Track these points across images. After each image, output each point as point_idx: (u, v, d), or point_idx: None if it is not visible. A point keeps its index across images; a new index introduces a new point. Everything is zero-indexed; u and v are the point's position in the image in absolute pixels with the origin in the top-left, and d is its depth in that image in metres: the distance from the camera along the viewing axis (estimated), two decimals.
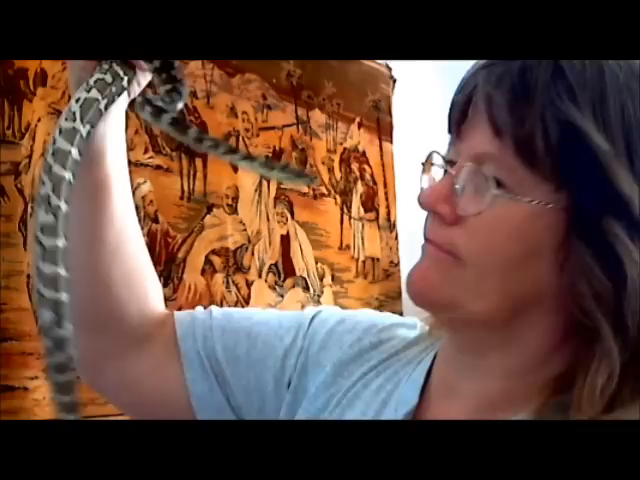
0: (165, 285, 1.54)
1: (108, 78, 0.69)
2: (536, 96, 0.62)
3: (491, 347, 0.67)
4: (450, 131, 0.68)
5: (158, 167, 1.53)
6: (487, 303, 0.65)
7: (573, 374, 0.63)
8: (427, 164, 0.70)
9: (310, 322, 0.81)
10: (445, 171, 0.68)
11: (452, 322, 0.69)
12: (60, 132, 0.64)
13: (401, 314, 2.11)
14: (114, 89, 0.69)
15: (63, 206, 0.62)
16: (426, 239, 0.68)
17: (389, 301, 2.12)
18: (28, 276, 1.30)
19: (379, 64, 2.17)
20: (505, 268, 0.64)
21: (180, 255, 1.58)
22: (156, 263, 1.51)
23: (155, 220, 1.53)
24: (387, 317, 0.83)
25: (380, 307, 2.06)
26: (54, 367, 0.59)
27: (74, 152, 0.64)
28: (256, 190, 1.77)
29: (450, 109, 0.68)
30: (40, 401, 1.27)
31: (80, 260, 0.75)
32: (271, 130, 1.84)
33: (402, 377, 0.74)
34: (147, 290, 0.81)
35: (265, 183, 1.80)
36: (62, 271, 0.60)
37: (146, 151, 1.50)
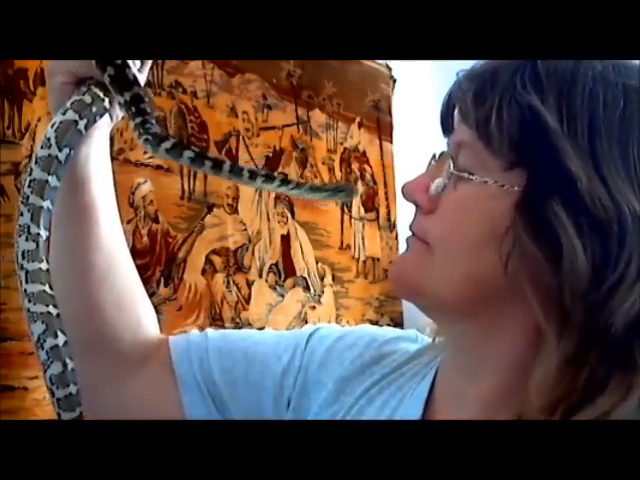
0: (165, 285, 1.54)
1: (87, 99, 0.68)
2: (499, 80, 0.63)
3: (473, 337, 0.67)
4: (442, 131, 0.70)
5: (158, 167, 1.52)
6: (452, 288, 0.65)
7: None
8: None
9: (307, 340, 0.80)
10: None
11: (429, 310, 0.70)
12: (36, 161, 0.64)
13: (401, 314, 2.10)
14: (95, 109, 0.69)
15: (43, 233, 0.63)
16: (410, 231, 0.69)
17: (389, 301, 2.11)
18: None
19: (379, 64, 2.17)
20: (467, 251, 0.64)
21: (180, 255, 1.58)
22: (156, 263, 1.53)
23: (155, 220, 1.53)
24: (388, 331, 0.82)
25: (380, 307, 2.06)
26: (52, 380, 0.59)
27: (51, 180, 0.64)
28: (256, 190, 1.77)
29: (440, 110, 0.70)
30: (40, 401, 1.27)
31: (70, 286, 0.75)
32: (271, 130, 1.84)
33: (406, 392, 0.74)
34: (139, 314, 0.81)
35: None
36: (47, 289, 0.61)
37: (146, 151, 1.50)
